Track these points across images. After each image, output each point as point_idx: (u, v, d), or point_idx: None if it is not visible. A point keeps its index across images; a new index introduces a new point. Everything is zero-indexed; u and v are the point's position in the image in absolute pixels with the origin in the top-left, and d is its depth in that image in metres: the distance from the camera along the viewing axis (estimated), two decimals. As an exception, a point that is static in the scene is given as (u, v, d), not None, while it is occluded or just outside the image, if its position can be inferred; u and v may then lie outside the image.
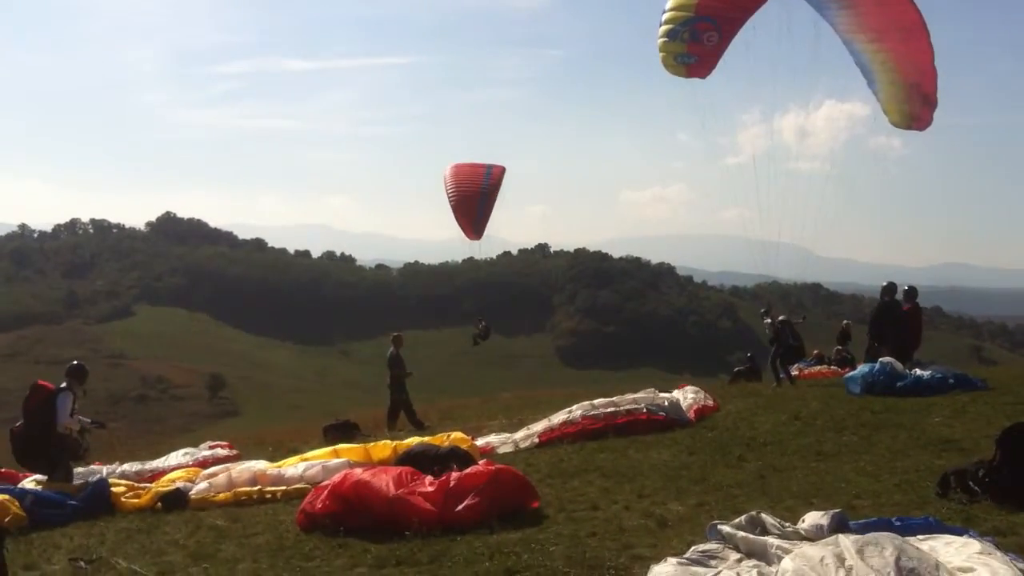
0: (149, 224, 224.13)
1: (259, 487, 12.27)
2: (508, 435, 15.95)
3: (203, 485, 12.49)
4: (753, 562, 6.62)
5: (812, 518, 7.08)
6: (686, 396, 17.06)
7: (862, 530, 6.59)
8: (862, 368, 17.87)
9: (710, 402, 16.95)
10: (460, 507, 9.24)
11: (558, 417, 15.68)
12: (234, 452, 18.34)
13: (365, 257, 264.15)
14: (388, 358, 20.93)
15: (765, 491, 10.12)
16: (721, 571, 6.54)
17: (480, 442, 15.33)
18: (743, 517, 7.22)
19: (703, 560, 6.75)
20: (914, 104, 14.57)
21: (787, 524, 7.19)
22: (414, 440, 13.84)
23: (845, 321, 32.12)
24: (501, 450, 15.06)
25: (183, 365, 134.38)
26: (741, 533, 6.98)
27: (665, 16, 14.34)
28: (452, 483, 9.52)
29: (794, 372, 21.42)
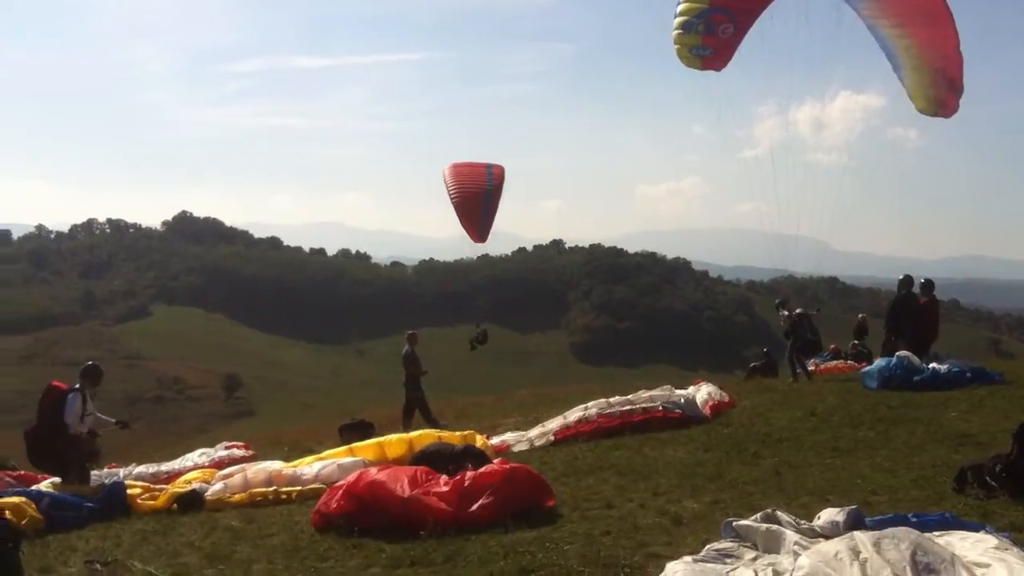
0: (165, 223, 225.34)
1: (274, 487, 12.31)
2: (523, 433, 15.95)
3: (219, 486, 12.54)
4: (768, 560, 6.58)
5: (828, 515, 7.06)
6: (700, 392, 17.03)
7: (878, 527, 6.56)
8: (879, 362, 17.76)
9: (726, 398, 16.92)
10: (475, 507, 9.24)
11: (573, 415, 15.68)
12: (250, 452, 18.43)
13: (379, 254, 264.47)
14: (403, 356, 20.91)
15: (781, 488, 10.08)
16: (737, 569, 6.50)
17: (495, 440, 15.33)
18: (759, 515, 7.20)
19: (718, 558, 6.72)
20: (940, 89, 14.43)
21: (803, 521, 7.18)
22: (426, 434, 13.86)
23: (861, 315, 31.74)
24: (516, 448, 15.07)
25: (199, 366, 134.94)
26: (762, 526, 6.96)
27: (679, 8, 14.27)
28: (467, 482, 9.52)
29: (810, 367, 21.23)
